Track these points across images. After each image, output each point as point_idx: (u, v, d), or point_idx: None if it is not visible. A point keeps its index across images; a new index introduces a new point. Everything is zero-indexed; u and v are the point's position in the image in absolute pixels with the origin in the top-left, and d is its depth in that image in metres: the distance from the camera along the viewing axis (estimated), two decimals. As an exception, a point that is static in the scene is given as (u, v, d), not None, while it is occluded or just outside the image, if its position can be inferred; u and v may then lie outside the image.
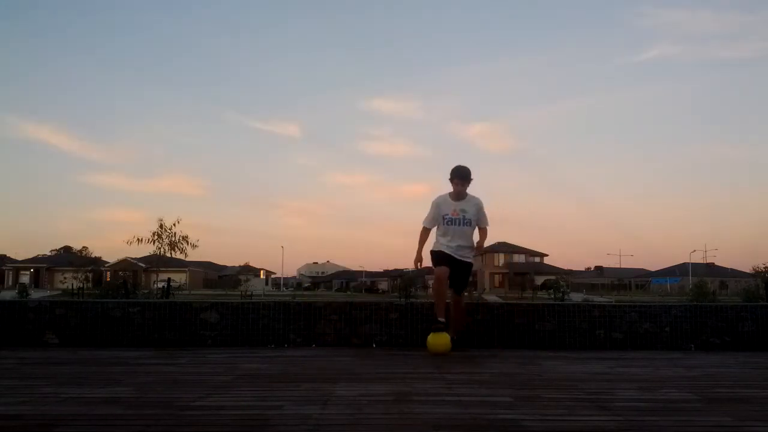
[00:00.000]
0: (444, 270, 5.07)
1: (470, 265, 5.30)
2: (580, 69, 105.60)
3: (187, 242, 26.36)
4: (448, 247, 5.18)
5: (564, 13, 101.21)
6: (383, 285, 74.88)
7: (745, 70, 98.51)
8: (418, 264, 5.35)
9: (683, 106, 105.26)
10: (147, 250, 31.40)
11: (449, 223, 5.19)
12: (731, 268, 70.06)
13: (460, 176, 5.18)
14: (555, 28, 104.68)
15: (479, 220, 5.26)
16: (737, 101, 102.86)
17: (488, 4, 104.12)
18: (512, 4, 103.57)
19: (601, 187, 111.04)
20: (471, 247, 5.26)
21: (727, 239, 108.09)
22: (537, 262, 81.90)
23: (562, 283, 27.77)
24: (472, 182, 5.24)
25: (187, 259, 32.29)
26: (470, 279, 5.35)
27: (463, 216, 5.17)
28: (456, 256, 5.17)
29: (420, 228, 5.36)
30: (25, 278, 63.79)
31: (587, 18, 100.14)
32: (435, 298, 5.16)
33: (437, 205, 5.25)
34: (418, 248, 5.33)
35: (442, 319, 4.95)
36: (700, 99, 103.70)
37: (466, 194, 5.25)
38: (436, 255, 5.24)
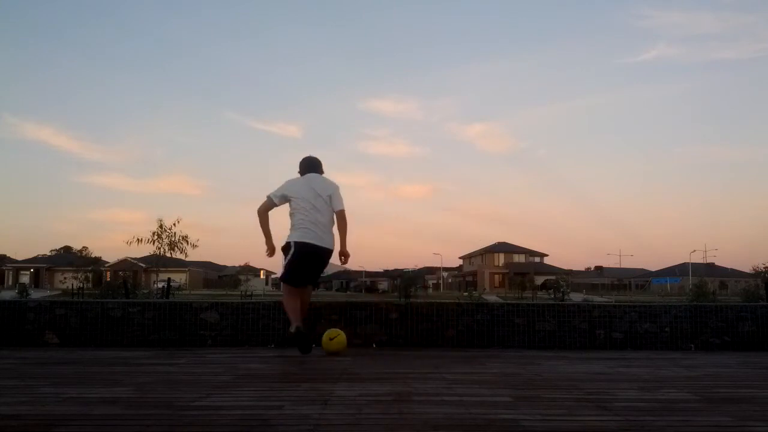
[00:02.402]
0: (298, 291, 4.97)
1: (330, 252, 5.01)
2: (580, 69, 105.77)
3: (187, 242, 26.35)
4: (309, 225, 4.90)
5: (564, 14, 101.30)
6: (383, 285, 74.79)
7: (745, 71, 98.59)
8: (272, 252, 5.09)
9: (683, 106, 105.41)
10: (147, 250, 31.44)
11: (302, 201, 5.00)
12: (731, 268, 70.12)
13: (309, 167, 5.23)
14: (555, 29, 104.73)
15: (333, 202, 5.05)
16: (737, 102, 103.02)
17: (488, 4, 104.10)
18: (512, 4, 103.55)
19: (602, 187, 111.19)
20: (331, 230, 5.03)
21: (727, 239, 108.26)
22: (537, 262, 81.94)
23: (562, 283, 27.78)
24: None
25: (187, 259, 32.29)
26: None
27: (317, 193, 5.02)
28: (318, 243, 4.90)
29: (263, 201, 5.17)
30: (25, 278, 63.86)
31: (587, 19, 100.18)
32: (289, 311, 4.91)
33: (288, 182, 5.17)
34: (265, 235, 5.11)
35: (300, 325, 4.81)
36: (700, 99, 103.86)
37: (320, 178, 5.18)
38: (299, 252, 4.88)
